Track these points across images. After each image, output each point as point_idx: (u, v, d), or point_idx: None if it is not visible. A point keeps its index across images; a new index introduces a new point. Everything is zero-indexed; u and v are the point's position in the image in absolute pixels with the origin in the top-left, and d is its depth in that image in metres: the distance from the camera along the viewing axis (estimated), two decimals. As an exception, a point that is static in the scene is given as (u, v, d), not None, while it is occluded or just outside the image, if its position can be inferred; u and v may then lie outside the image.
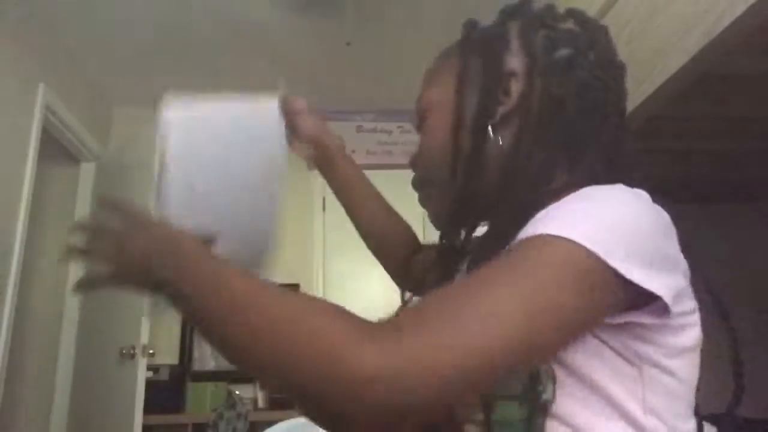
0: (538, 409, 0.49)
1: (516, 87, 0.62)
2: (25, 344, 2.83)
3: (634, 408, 0.49)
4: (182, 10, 2.60)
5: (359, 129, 3.41)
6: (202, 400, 2.89)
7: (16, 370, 2.59)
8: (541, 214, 0.50)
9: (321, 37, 2.84)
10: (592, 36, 0.64)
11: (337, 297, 3.33)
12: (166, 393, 2.82)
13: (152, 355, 2.63)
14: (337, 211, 3.71)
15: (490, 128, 0.62)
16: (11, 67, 2.35)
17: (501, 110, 0.62)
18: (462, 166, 0.63)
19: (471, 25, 0.72)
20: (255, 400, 2.96)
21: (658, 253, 0.49)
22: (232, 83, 3.77)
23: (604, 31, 0.66)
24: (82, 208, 3.22)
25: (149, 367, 2.59)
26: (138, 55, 2.97)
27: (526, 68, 0.62)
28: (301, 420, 0.78)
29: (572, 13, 0.67)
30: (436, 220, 0.69)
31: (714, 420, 0.60)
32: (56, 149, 3.00)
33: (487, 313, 0.42)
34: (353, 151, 3.43)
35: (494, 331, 0.41)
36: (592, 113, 0.61)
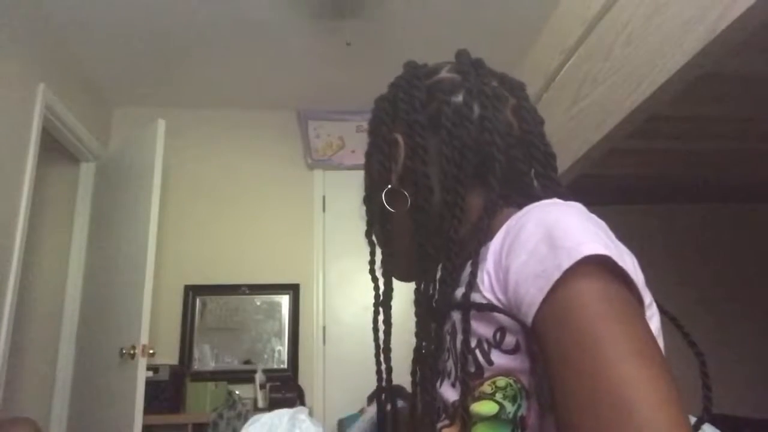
0: (517, 425, 0.51)
1: (400, 152, 0.70)
2: (25, 344, 2.83)
3: None
4: (182, 11, 2.60)
5: (359, 129, 3.41)
6: (202, 400, 2.89)
7: (16, 370, 2.59)
8: (522, 265, 0.51)
9: (321, 37, 2.84)
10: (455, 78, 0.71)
11: (337, 297, 3.34)
12: (166, 393, 2.82)
13: (152, 355, 2.62)
14: (337, 211, 3.73)
15: (383, 197, 0.71)
16: (11, 67, 2.35)
17: (395, 175, 0.71)
18: (377, 232, 0.75)
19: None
20: (255, 400, 2.96)
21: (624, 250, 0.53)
22: (232, 84, 3.78)
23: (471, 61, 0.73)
24: (82, 208, 3.23)
25: (149, 367, 2.59)
26: (138, 55, 2.98)
27: (403, 135, 0.70)
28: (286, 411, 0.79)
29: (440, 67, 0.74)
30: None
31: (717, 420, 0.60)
32: (56, 149, 3.00)
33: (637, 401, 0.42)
34: (353, 151, 3.43)
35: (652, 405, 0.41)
36: (481, 144, 0.66)
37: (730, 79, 0.96)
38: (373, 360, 0.75)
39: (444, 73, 0.72)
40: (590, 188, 1.20)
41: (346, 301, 3.33)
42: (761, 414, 1.62)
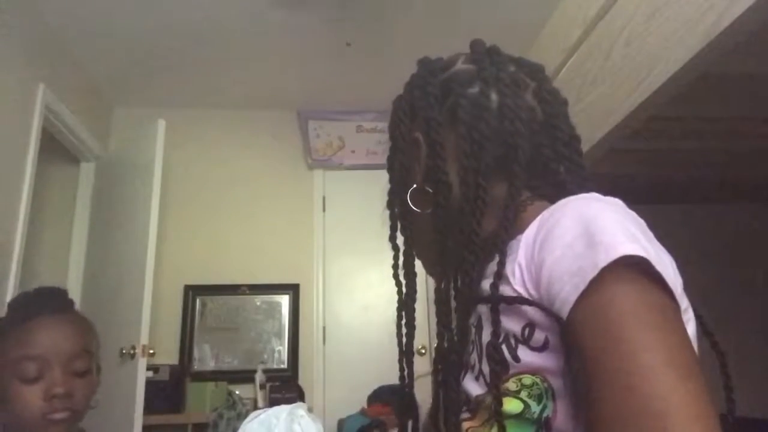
0: (542, 425, 0.49)
1: (421, 151, 0.69)
2: (25, 344, 2.83)
3: None
4: (182, 11, 2.60)
5: (359, 129, 3.40)
6: (202, 400, 2.89)
7: (16, 370, 2.59)
8: (557, 259, 0.50)
9: (321, 37, 2.84)
10: (474, 69, 0.69)
11: (337, 297, 3.34)
12: (166, 393, 2.82)
13: (152, 355, 2.63)
14: (337, 211, 3.72)
15: (408, 197, 0.69)
16: (11, 67, 2.35)
17: (418, 175, 0.69)
18: (403, 232, 0.72)
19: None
20: (255, 400, 2.96)
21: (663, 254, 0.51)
22: (232, 83, 3.77)
23: (490, 50, 0.72)
24: (82, 208, 3.22)
25: (149, 367, 2.59)
26: (138, 55, 2.97)
27: (423, 134, 0.69)
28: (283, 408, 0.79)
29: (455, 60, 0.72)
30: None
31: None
32: (56, 149, 3.00)
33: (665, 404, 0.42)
34: (353, 151, 3.43)
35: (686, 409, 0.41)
36: (502, 133, 0.64)
37: (730, 79, 0.96)
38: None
39: (459, 65, 0.71)
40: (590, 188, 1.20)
41: (346, 301, 3.33)
42: (761, 414, 1.62)
